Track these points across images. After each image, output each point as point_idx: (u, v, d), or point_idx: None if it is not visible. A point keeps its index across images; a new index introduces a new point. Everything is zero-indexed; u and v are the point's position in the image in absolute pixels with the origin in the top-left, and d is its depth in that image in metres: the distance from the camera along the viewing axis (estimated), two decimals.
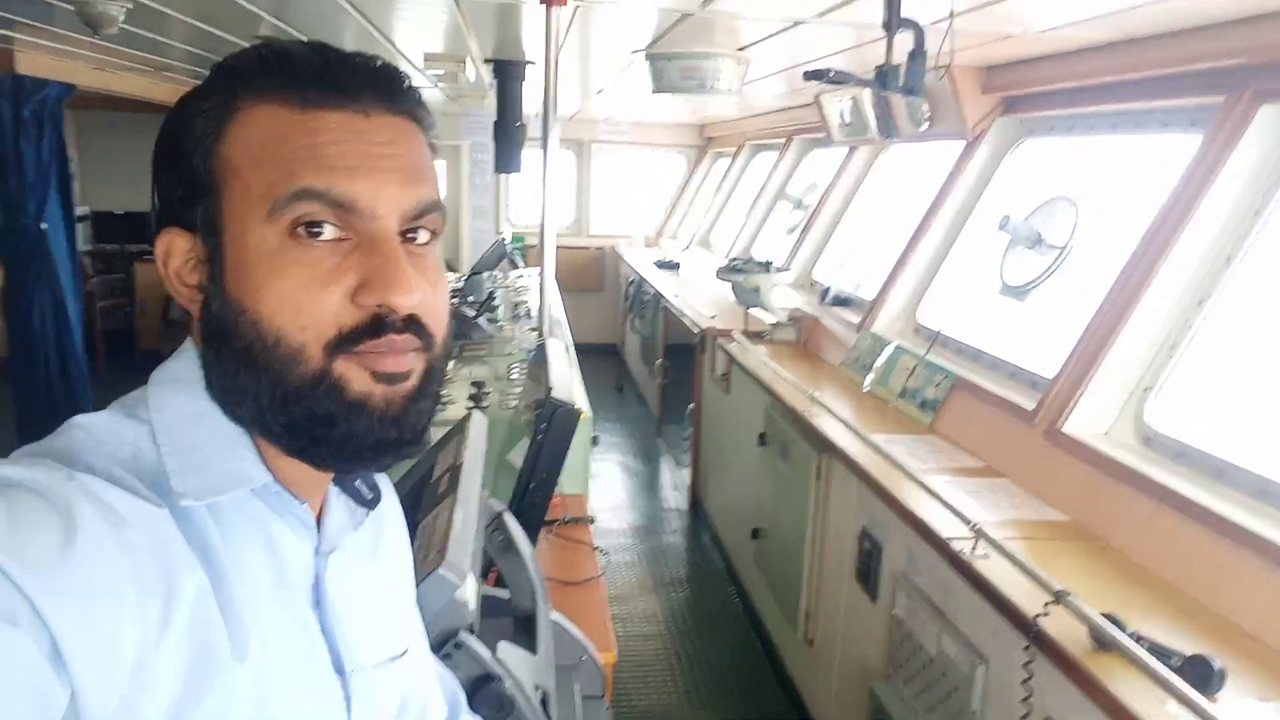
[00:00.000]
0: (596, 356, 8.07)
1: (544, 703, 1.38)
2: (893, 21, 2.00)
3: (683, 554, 4.57)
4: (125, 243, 7.79)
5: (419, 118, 0.69)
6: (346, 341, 0.63)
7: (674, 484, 5.50)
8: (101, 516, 0.56)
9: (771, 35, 2.86)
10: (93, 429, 0.64)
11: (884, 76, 2.09)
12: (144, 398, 0.67)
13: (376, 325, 0.63)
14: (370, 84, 0.66)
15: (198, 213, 0.65)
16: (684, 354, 5.37)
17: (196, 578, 0.60)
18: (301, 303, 0.62)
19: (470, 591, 1.15)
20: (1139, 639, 1.53)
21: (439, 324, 0.68)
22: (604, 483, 5.43)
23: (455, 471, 1.43)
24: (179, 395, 0.67)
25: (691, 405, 5.00)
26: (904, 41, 2.13)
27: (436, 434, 2.45)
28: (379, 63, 0.67)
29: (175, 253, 0.66)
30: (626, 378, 7.83)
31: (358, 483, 0.77)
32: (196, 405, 0.67)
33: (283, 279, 0.62)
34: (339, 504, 0.75)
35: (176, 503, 0.62)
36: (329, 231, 0.63)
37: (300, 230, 0.62)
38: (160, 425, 0.65)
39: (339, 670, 0.73)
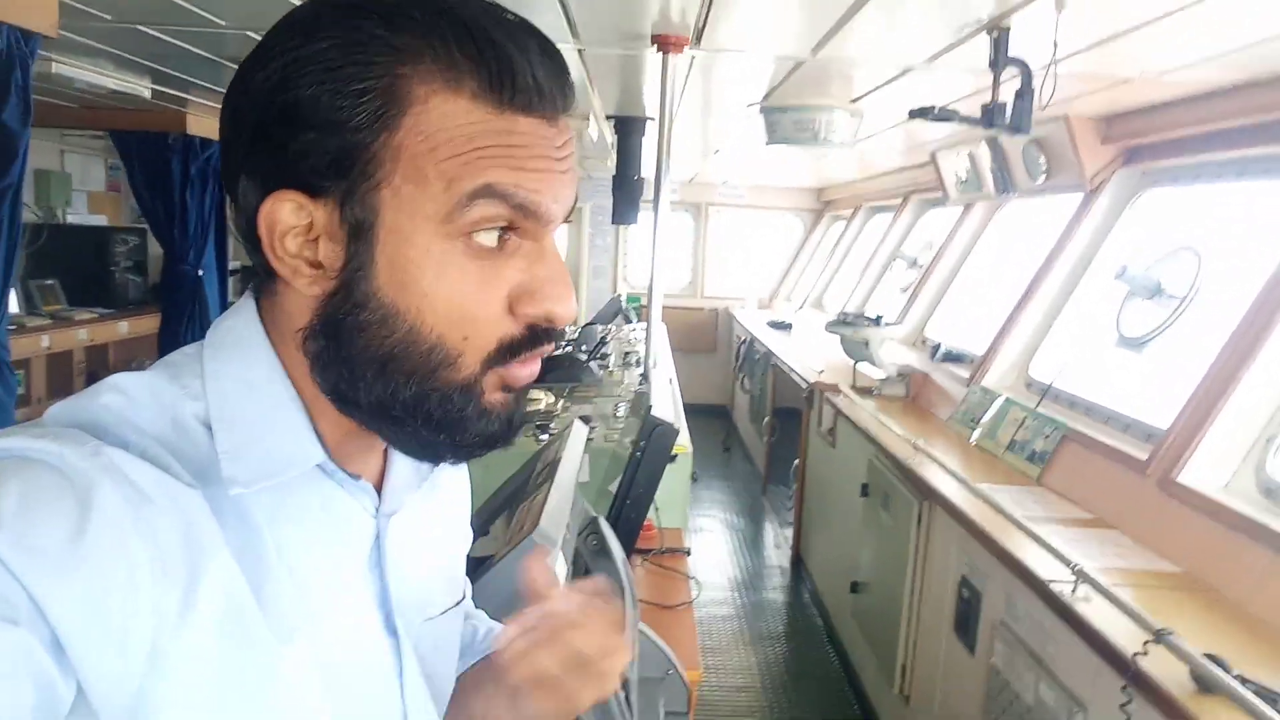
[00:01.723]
0: (706, 417, 8.10)
1: (626, 694, 1.41)
2: (999, 60, 2.03)
3: (781, 610, 4.50)
4: None
5: (574, 110, 0.65)
6: (506, 353, 0.61)
7: (776, 541, 5.44)
8: (123, 497, 0.53)
9: (883, 85, 2.92)
10: (132, 393, 0.60)
11: (990, 114, 2.11)
12: (196, 358, 0.63)
13: (533, 337, 0.61)
14: (561, 87, 0.61)
15: (341, 188, 0.58)
16: (792, 418, 5.35)
17: (226, 560, 0.57)
18: (467, 313, 0.59)
19: (560, 563, 1.21)
20: (1244, 681, 1.46)
21: None
22: (707, 539, 5.41)
23: (552, 466, 1.51)
24: (239, 359, 0.63)
25: (796, 462, 4.97)
26: (1012, 85, 2.16)
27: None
28: (560, 55, 0.62)
29: (285, 219, 0.59)
30: (735, 438, 7.82)
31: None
32: (256, 371, 0.62)
33: (452, 286, 0.59)
34: (404, 463, 0.71)
35: (227, 490, 0.59)
36: (506, 236, 0.60)
37: (480, 236, 0.59)
38: (215, 396, 0.61)
39: (391, 631, 0.70)
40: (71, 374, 6.10)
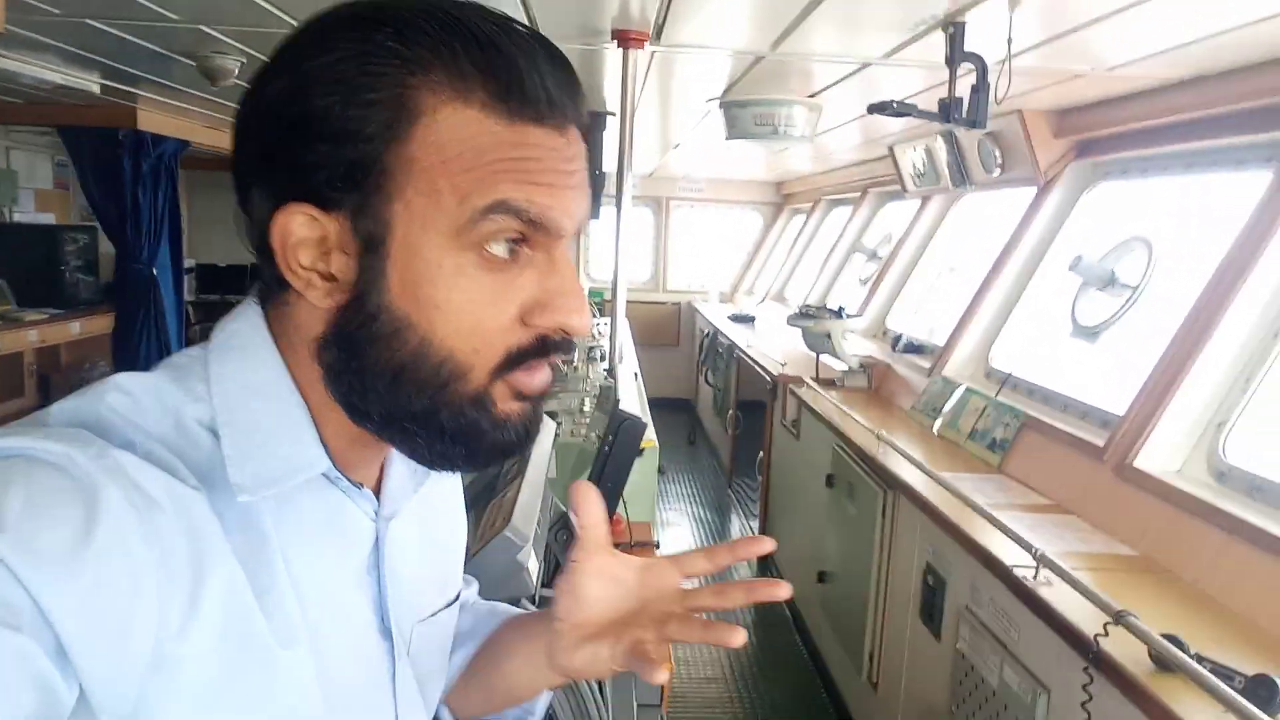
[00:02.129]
0: (670, 410, 8.13)
1: (600, 687, 1.42)
2: (955, 55, 2.06)
3: None
4: (226, 294, 8.23)
5: (584, 121, 0.65)
6: (513, 362, 0.61)
7: (742, 533, 5.48)
8: (129, 502, 0.53)
9: (841, 79, 2.95)
10: (137, 395, 0.60)
11: (947, 109, 2.15)
12: (201, 361, 0.63)
13: (542, 346, 0.62)
14: (572, 99, 0.61)
15: (353, 200, 0.58)
16: (756, 409, 5.39)
17: (229, 565, 0.58)
18: (478, 325, 0.59)
19: (532, 560, 1.21)
20: (1201, 660, 1.50)
21: None
22: (674, 532, 5.44)
23: (522, 463, 1.51)
24: (245, 364, 0.63)
25: (761, 454, 5.01)
26: (969, 79, 2.20)
27: None
28: (570, 66, 0.62)
29: (297, 230, 0.59)
30: (699, 431, 7.85)
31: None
32: (262, 376, 0.63)
33: (466, 301, 0.59)
34: (401, 466, 0.72)
35: (235, 496, 0.59)
36: (518, 249, 0.60)
37: (493, 248, 0.59)
38: (221, 400, 0.61)
39: (385, 635, 0.71)
40: (22, 376, 5.96)
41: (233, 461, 0.59)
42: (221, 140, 6.20)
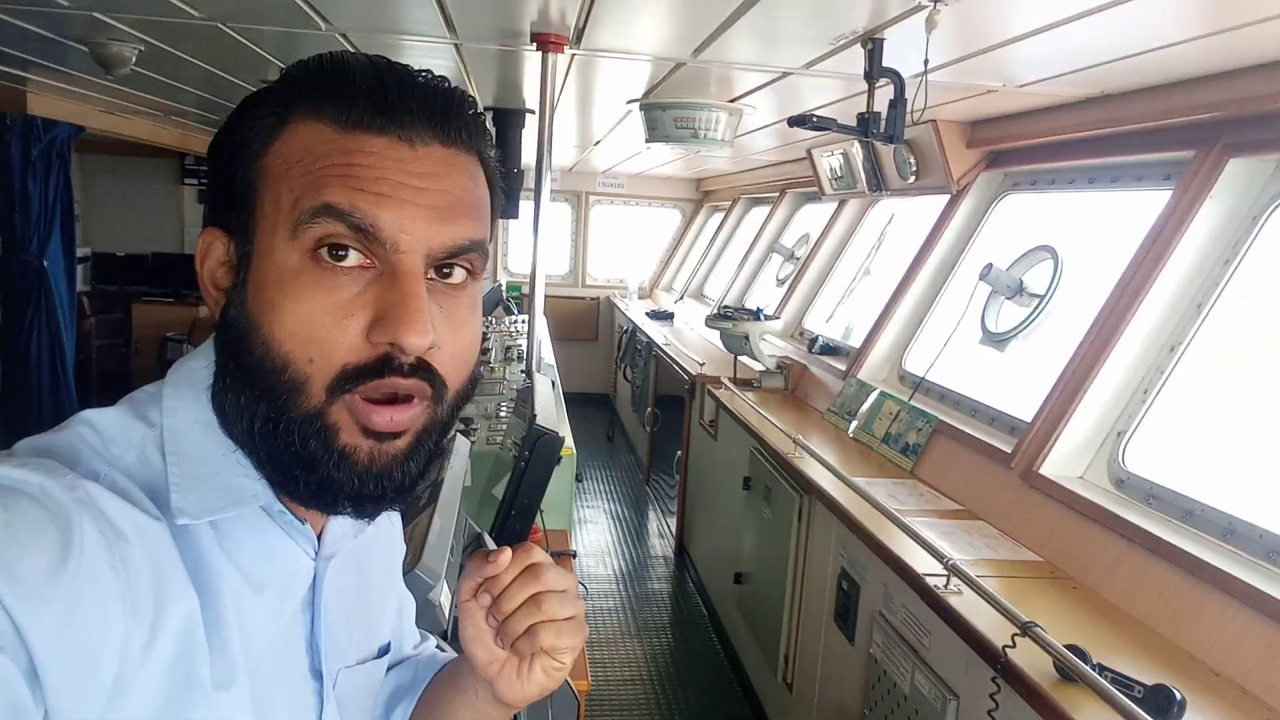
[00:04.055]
0: (588, 406, 8.12)
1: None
2: (874, 71, 2.08)
3: (666, 600, 4.56)
4: (124, 284, 7.87)
5: (479, 150, 0.66)
6: (349, 379, 0.60)
7: (660, 531, 5.50)
8: (100, 533, 0.54)
9: (762, 86, 2.96)
10: (101, 428, 0.62)
11: (865, 123, 2.17)
12: (159, 396, 0.65)
13: (382, 365, 0.60)
14: (424, 111, 0.62)
15: (233, 218, 0.63)
16: (674, 405, 5.41)
17: (188, 601, 0.59)
18: (313, 331, 0.59)
19: (445, 597, 1.18)
20: (1103, 670, 1.55)
21: (456, 371, 0.65)
22: (591, 529, 5.43)
23: (435, 487, 1.47)
24: (195, 399, 0.65)
25: (679, 453, 5.03)
26: (886, 92, 2.22)
27: None
28: (442, 89, 0.64)
29: (212, 253, 0.65)
30: (617, 427, 7.85)
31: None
32: (209, 411, 0.65)
33: (298, 301, 0.59)
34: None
35: (174, 520, 0.60)
36: (352, 258, 0.60)
37: (323, 252, 0.59)
38: (170, 431, 0.63)
39: (316, 675, 0.72)
40: None
41: (177, 488, 0.61)
42: (119, 125, 5.91)
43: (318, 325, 0.59)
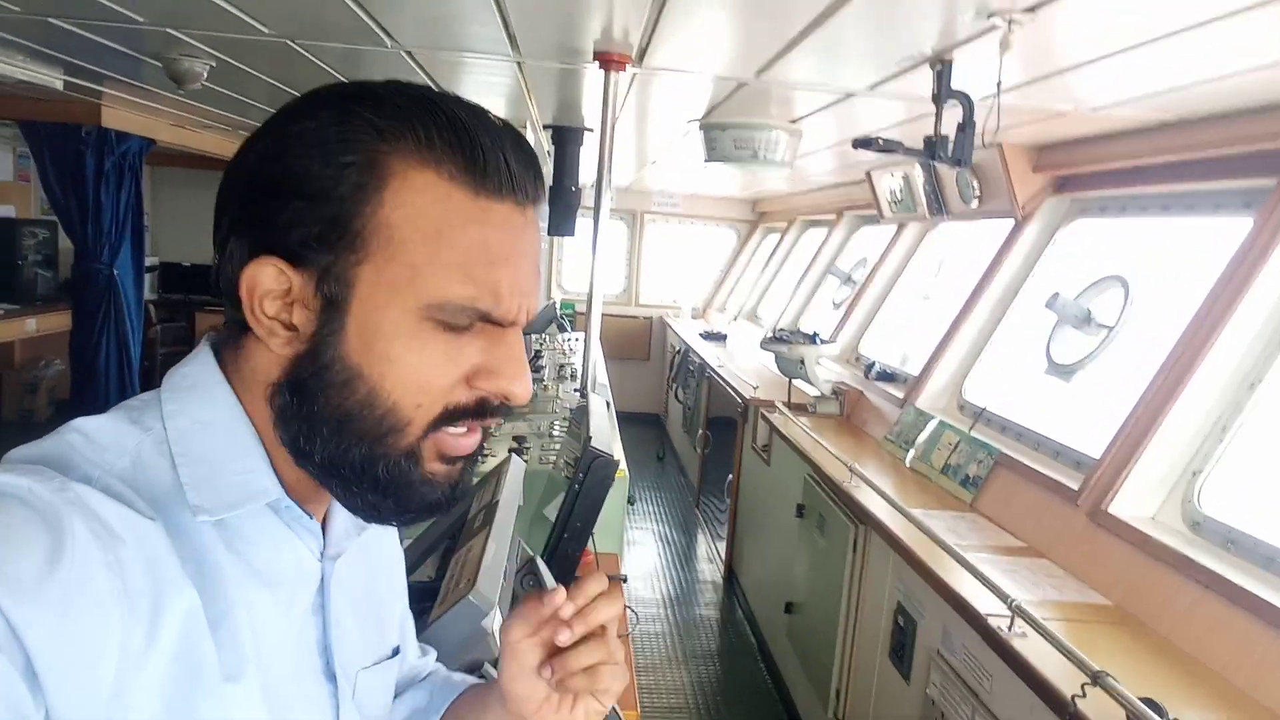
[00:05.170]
0: (639, 425, 8.08)
1: None
2: (942, 94, 2.03)
3: (714, 627, 4.49)
4: (189, 293, 8.06)
5: (542, 201, 0.69)
6: (447, 419, 0.64)
7: (709, 556, 5.44)
8: (92, 533, 0.55)
9: (824, 107, 2.92)
10: (93, 434, 0.62)
11: (932, 147, 2.12)
12: (155, 403, 0.66)
13: (480, 408, 0.65)
14: (528, 170, 0.65)
15: (322, 259, 0.62)
16: (726, 426, 5.35)
17: (187, 597, 0.59)
18: (426, 383, 0.63)
19: (496, 624, 1.15)
20: None
21: None
22: (640, 551, 5.38)
23: (490, 509, 1.45)
24: (196, 402, 0.66)
25: (730, 477, 4.97)
26: (954, 115, 2.17)
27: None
28: (527, 144, 0.66)
29: (264, 282, 0.63)
30: (668, 447, 7.80)
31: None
32: (212, 412, 0.65)
33: (419, 358, 0.62)
34: (343, 512, 0.75)
35: (193, 517, 0.61)
36: (473, 328, 0.64)
37: (449, 320, 0.63)
38: (175, 433, 0.64)
39: (329, 677, 0.73)
40: None
41: (190, 487, 0.62)
42: (188, 139, 6.07)
43: (431, 377, 0.63)
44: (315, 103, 0.64)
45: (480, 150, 0.62)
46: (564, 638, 0.73)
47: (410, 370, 0.62)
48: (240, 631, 0.62)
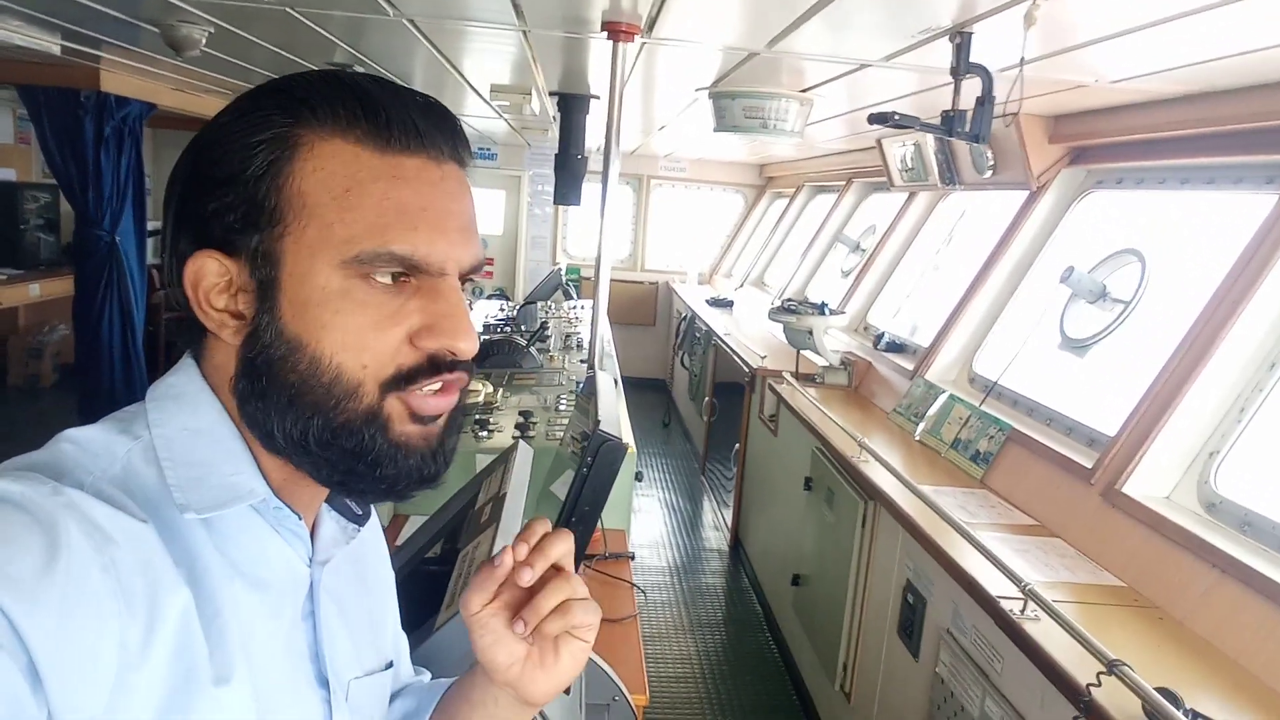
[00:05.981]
0: (645, 391, 8.07)
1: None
2: (960, 67, 1.98)
3: (721, 596, 4.50)
4: None
5: (467, 162, 0.70)
6: (403, 380, 0.65)
7: (715, 524, 5.45)
8: (86, 534, 0.55)
9: (836, 78, 2.86)
10: (84, 443, 0.63)
11: (950, 121, 2.07)
12: (141, 413, 0.67)
13: (433, 365, 0.65)
14: (439, 128, 0.67)
15: (249, 241, 0.63)
16: (732, 393, 5.33)
17: (181, 596, 0.59)
18: (365, 342, 0.63)
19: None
20: (1195, 716, 1.46)
21: (472, 356, 0.71)
22: (645, 519, 5.39)
23: (498, 501, 1.42)
24: (181, 410, 0.67)
25: (737, 446, 4.96)
26: (971, 88, 2.11)
27: (482, 461, 2.45)
28: (441, 106, 0.68)
29: (207, 275, 0.64)
30: (673, 414, 7.80)
31: (348, 499, 0.79)
32: (198, 420, 0.66)
33: (349, 319, 0.63)
34: (330, 519, 0.76)
35: (180, 515, 0.62)
36: (397, 279, 0.65)
37: (375, 276, 0.63)
38: (161, 440, 0.65)
39: (322, 684, 0.73)
40: None
41: (177, 488, 0.63)
42: (189, 103, 5.98)
43: (369, 336, 0.63)
44: (236, 99, 0.67)
45: (384, 111, 0.64)
46: (526, 577, 0.72)
47: (347, 332, 0.63)
48: (230, 633, 0.62)
